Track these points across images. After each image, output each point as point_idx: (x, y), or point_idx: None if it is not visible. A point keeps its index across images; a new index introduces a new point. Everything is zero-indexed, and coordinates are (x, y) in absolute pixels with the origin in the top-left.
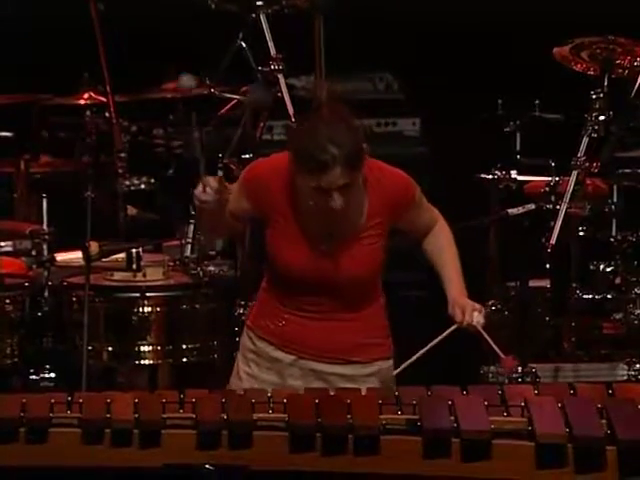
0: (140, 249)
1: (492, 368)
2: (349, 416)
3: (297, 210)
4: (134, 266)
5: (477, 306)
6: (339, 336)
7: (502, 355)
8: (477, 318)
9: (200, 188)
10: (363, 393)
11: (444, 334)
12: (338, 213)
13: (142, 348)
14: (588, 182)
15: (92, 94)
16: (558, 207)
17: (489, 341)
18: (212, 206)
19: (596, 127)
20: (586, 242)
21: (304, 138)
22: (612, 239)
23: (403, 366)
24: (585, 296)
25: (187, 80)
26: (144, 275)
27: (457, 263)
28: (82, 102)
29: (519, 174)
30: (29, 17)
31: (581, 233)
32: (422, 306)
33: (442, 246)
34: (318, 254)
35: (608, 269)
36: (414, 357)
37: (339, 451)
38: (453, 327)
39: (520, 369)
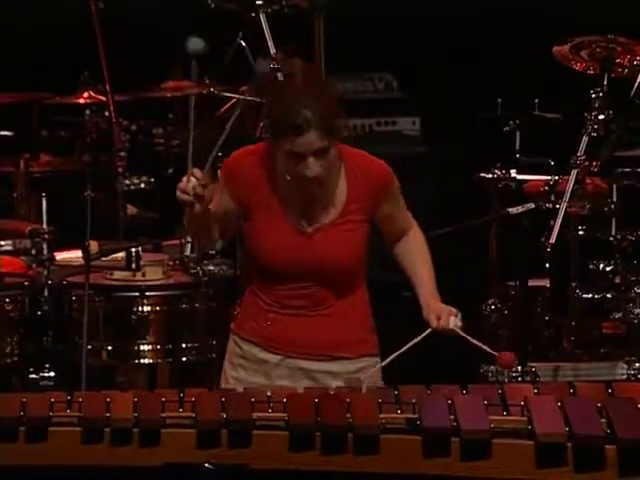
0: (140, 248)
1: (492, 367)
2: (349, 415)
3: (277, 195)
4: (134, 265)
5: (453, 310)
6: (324, 333)
7: (494, 353)
8: (454, 322)
9: (184, 179)
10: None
11: (419, 338)
12: (315, 185)
13: (142, 347)
14: (588, 181)
15: (92, 93)
16: (558, 206)
17: (475, 342)
18: (195, 200)
19: (596, 126)
20: (586, 241)
21: (279, 104)
22: (612, 238)
23: (373, 370)
24: (585, 295)
25: (195, 43)
26: (144, 274)
27: (430, 268)
28: (82, 101)
29: (519, 173)
30: (29, 16)
31: (581, 232)
32: (416, 306)
33: (415, 250)
34: (299, 239)
35: (608, 268)
36: (387, 360)
37: (339, 450)
38: (428, 331)
39: (520, 367)
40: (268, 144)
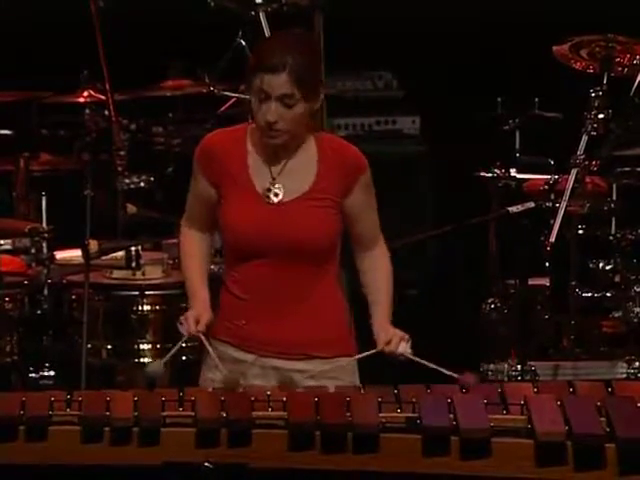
0: (139, 247)
1: (492, 366)
2: (348, 414)
3: (246, 170)
4: (133, 264)
5: (405, 336)
6: (299, 332)
7: (455, 375)
8: (404, 348)
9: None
10: (331, 390)
11: (365, 354)
12: (278, 144)
13: (141, 346)
14: (587, 180)
15: (91, 92)
16: (557, 205)
17: (432, 366)
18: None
19: (595, 125)
20: (585, 240)
21: (263, 43)
22: (611, 237)
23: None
24: (584, 294)
25: (155, 366)
26: (143, 273)
27: (389, 291)
28: (81, 100)
29: (518, 172)
30: (28, 14)
31: (580, 231)
32: (416, 305)
33: (379, 269)
34: (266, 210)
35: (607, 267)
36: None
37: (338, 449)
38: (375, 350)
39: (520, 366)
40: (239, 126)
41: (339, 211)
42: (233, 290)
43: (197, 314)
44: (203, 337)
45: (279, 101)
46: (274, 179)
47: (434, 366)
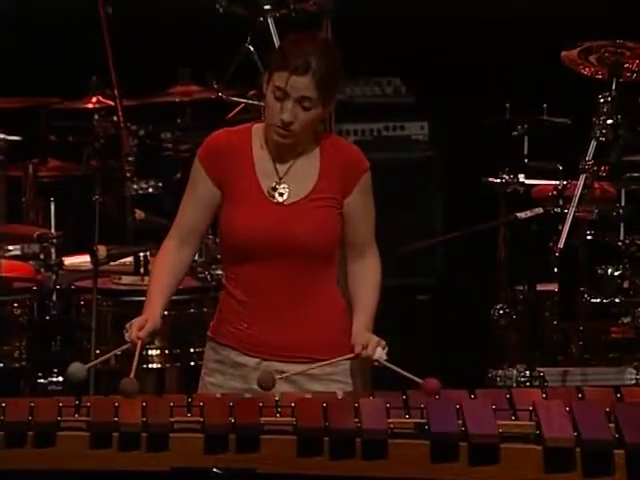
0: (148, 253)
1: (500, 372)
2: (357, 420)
3: (252, 168)
4: (142, 270)
5: (382, 342)
6: (301, 335)
7: (420, 380)
8: (379, 354)
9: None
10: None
11: (341, 358)
12: (286, 144)
13: (150, 352)
14: (596, 186)
15: (100, 98)
16: (566, 211)
17: (400, 372)
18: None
19: (604, 131)
20: (594, 246)
21: (290, 42)
22: (620, 243)
23: (287, 375)
24: (593, 300)
25: (76, 368)
26: None
27: (375, 299)
28: (90, 106)
29: (527, 178)
30: (37, 20)
31: (589, 237)
32: (425, 310)
33: (368, 277)
34: (272, 209)
35: (616, 273)
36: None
37: (347, 455)
38: (352, 355)
39: (528, 372)
40: (244, 125)
41: (339, 210)
42: (234, 293)
43: (142, 320)
44: (139, 344)
45: (297, 102)
46: (280, 179)
47: (405, 373)
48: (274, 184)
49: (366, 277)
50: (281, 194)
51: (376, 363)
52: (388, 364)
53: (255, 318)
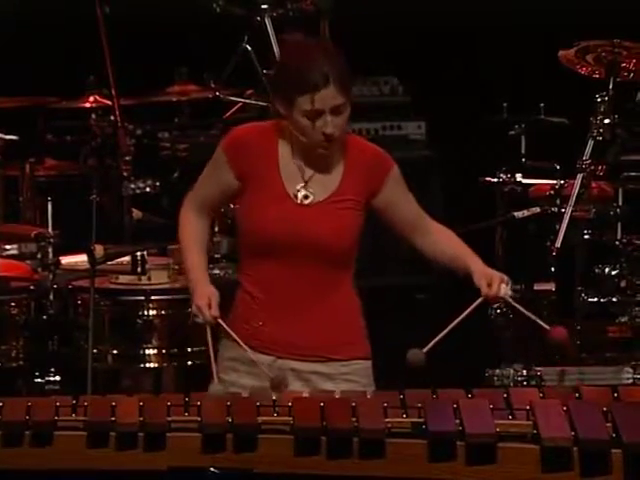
0: (145, 252)
1: (497, 371)
2: (354, 419)
3: (277, 169)
4: (139, 269)
5: (505, 278)
6: (316, 334)
7: (547, 326)
8: (505, 290)
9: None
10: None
11: (471, 307)
12: (326, 150)
13: (147, 351)
14: (593, 185)
15: (97, 97)
16: (563, 210)
17: (525, 312)
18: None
19: (601, 130)
20: (591, 245)
21: (296, 61)
22: (617, 242)
23: (432, 343)
24: (590, 299)
25: None
26: (149, 278)
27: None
28: (87, 105)
29: (524, 177)
30: (34, 20)
31: (586, 236)
32: (423, 309)
33: (447, 236)
34: (295, 210)
35: (613, 272)
36: (442, 333)
37: (344, 454)
38: (480, 300)
39: (525, 372)
40: (270, 123)
41: (363, 212)
42: (250, 290)
43: (206, 299)
44: (222, 322)
45: (331, 112)
46: (305, 180)
47: (530, 315)
48: (299, 187)
49: (445, 236)
50: (305, 196)
51: (501, 301)
52: (513, 302)
53: (270, 316)
